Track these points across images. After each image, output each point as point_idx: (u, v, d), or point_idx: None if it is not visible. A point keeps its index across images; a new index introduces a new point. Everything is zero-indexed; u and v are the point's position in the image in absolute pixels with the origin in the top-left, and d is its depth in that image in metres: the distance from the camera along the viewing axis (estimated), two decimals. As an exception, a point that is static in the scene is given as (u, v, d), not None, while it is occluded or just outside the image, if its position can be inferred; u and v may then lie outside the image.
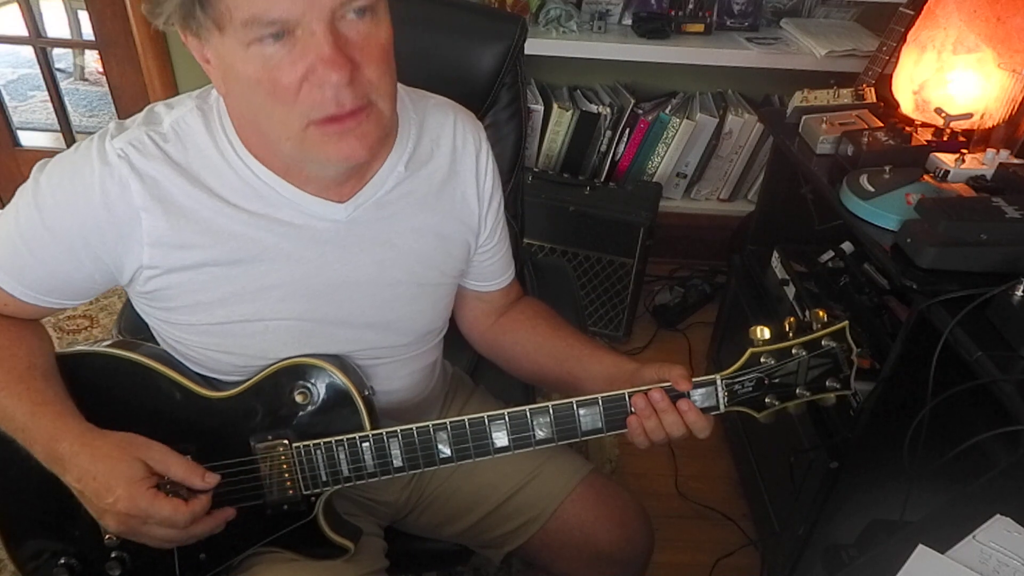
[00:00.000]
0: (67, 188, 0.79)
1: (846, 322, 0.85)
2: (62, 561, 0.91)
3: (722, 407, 0.85)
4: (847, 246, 1.56)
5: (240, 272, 0.83)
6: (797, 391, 0.85)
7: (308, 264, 0.86)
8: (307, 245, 0.85)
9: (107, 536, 0.89)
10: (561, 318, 1.05)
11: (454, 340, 1.10)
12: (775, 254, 1.68)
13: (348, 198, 0.85)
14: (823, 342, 0.84)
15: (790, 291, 1.59)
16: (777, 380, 0.85)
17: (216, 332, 0.86)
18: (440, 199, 0.92)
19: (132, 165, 0.78)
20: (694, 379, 0.85)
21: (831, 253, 1.60)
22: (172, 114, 0.83)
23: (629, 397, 0.85)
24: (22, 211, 0.81)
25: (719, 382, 0.85)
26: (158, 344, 0.96)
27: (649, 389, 0.85)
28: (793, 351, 0.84)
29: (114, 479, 0.78)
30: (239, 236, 0.82)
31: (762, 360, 0.84)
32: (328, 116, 0.71)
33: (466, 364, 1.24)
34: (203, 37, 0.71)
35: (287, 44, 0.68)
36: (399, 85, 0.89)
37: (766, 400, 0.85)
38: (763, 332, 0.85)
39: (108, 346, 0.91)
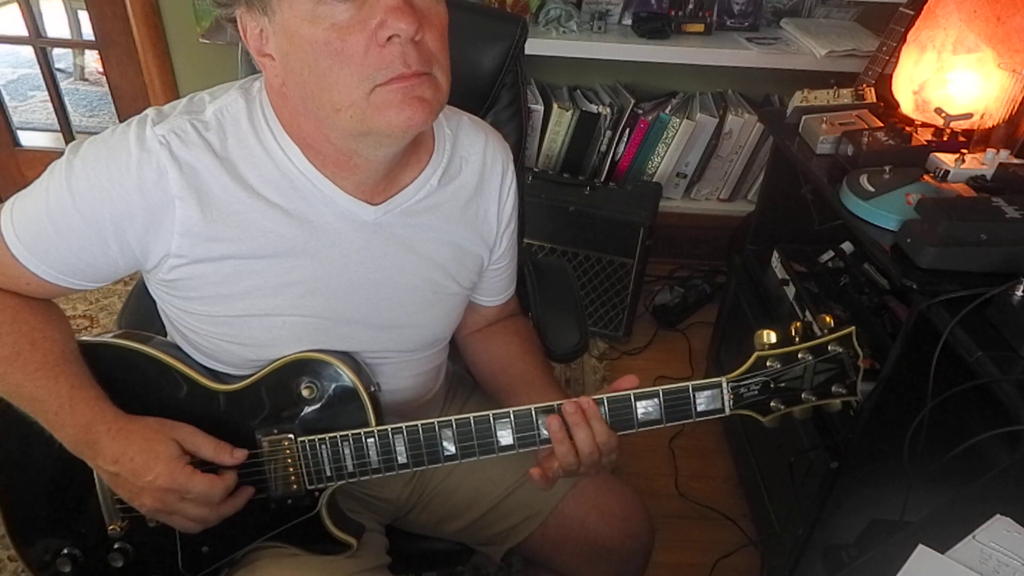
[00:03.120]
0: (102, 172, 0.78)
1: (853, 328, 0.85)
2: (65, 552, 0.91)
3: (727, 410, 0.85)
4: (847, 246, 1.56)
5: (265, 266, 0.84)
6: (803, 396, 0.85)
7: (332, 263, 0.86)
8: (333, 243, 0.86)
9: (111, 527, 0.89)
10: (536, 345, 1.09)
11: (453, 340, 1.10)
12: (775, 254, 1.68)
13: (380, 201, 0.87)
14: (830, 347, 0.84)
15: (790, 291, 1.59)
16: (783, 384, 0.84)
17: (233, 324, 0.86)
18: (465, 214, 0.94)
19: (172, 153, 0.78)
20: (699, 381, 0.85)
21: (831, 253, 1.60)
22: (216, 103, 0.83)
23: (635, 398, 0.85)
24: (52, 191, 0.80)
25: (725, 385, 0.85)
26: (166, 332, 0.96)
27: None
28: (799, 355, 0.84)
29: (152, 458, 0.81)
30: (268, 232, 0.83)
31: (768, 364, 0.84)
32: (395, 75, 0.72)
33: (475, 379, 1.24)
34: (269, 9, 0.72)
35: (355, 3, 0.70)
36: None
37: (771, 404, 0.85)
38: (769, 336, 0.85)
39: (115, 337, 0.91)
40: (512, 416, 0.86)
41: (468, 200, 0.94)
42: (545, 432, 0.85)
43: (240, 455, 0.86)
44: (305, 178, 0.83)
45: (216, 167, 0.80)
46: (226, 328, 0.87)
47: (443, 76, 0.76)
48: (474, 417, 0.86)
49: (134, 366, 0.89)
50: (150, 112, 0.82)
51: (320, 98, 0.74)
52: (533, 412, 0.85)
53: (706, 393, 0.85)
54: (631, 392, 0.85)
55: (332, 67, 0.71)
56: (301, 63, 0.73)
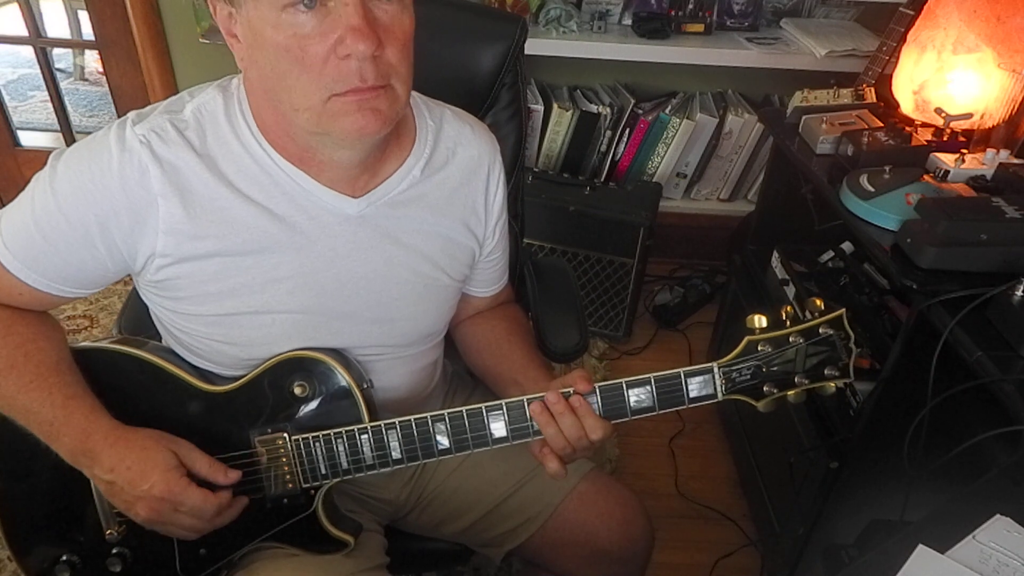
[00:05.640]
0: (84, 174, 0.79)
1: (843, 309, 0.84)
2: (64, 559, 0.91)
3: (720, 395, 0.85)
4: (847, 246, 1.56)
5: (251, 263, 0.84)
6: (796, 379, 0.84)
7: (318, 258, 0.86)
8: (318, 238, 0.86)
9: (108, 532, 0.89)
10: (523, 328, 1.10)
11: (448, 335, 1.10)
12: (775, 254, 1.67)
13: (361, 194, 0.87)
14: (820, 330, 0.83)
15: (790, 291, 1.59)
16: (775, 368, 0.84)
17: (223, 323, 0.87)
18: (451, 205, 0.94)
19: (153, 151, 0.79)
20: (690, 367, 0.85)
21: (831, 253, 1.60)
22: (194, 101, 0.84)
23: (627, 386, 0.84)
24: (38, 198, 0.81)
25: (716, 370, 0.84)
26: (160, 335, 0.96)
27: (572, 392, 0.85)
28: (791, 339, 0.83)
29: (149, 467, 0.81)
30: (252, 227, 0.83)
31: (759, 348, 0.83)
32: (351, 88, 0.73)
33: (465, 364, 1.24)
34: (236, 3, 0.73)
35: (319, 14, 0.70)
36: (417, 93, 0.92)
37: (764, 389, 0.84)
38: (760, 320, 0.84)
39: (111, 342, 0.91)
40: (505, 408, 0.85)
41: (454, 191, 0.94)
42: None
43: (233, 476, 0.86)
44: (284, 173, 0.83)
45: (197, 164, 0.80)
46: (216, 328, 0.87)
47: (402, 86, 0.78)
48: (467, 410, 0.86)
49: (128, 370, 0.89)
50: (131, 114, 0.83)
51: (280, 95, 0.76)
52: (526, 403, 0.85)
53: (698, 379, 0.84)
54: (623, 380, 0.85)
55: (292, 71, 0.73)
56: (263, 59, 0.74)
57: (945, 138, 1.45)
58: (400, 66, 0.76)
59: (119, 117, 0.83)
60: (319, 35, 0.71)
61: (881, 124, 1.50)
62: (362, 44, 0.70)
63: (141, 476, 0.81)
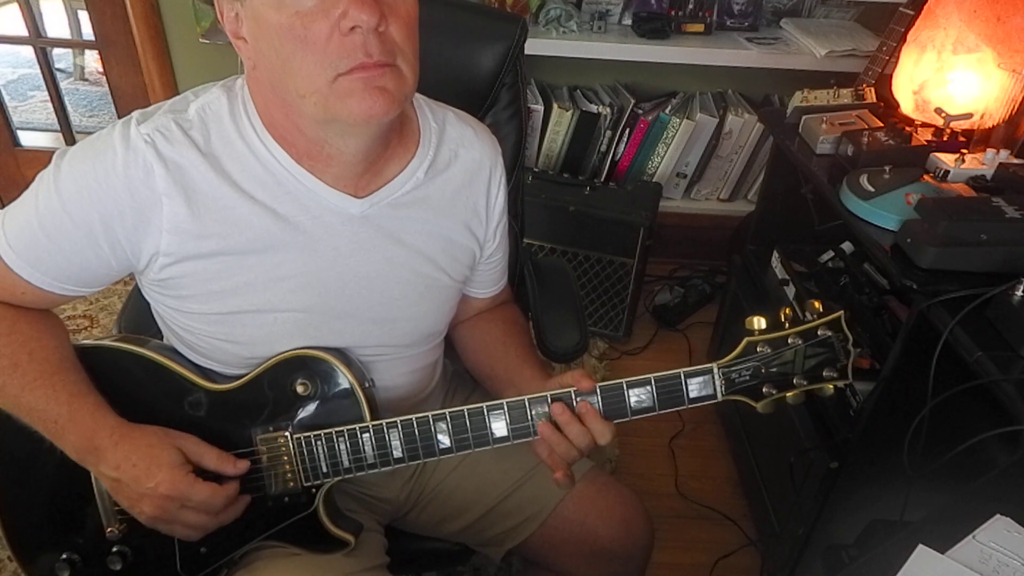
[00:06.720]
0: (89, 173, 0.79)
1: (841, 311, 0.85)
2: (64, 556, 0.91)
3: (720, 396, 0.85)
4: (847, 246, 1.56)
5: (254, 262, 0.84)
6: (795, 380, 0.84)
7: (321, 257, 0.87)
8: (321, 238, 0.86)
9: (108, 530, 0.89)
10: (520, 328, 1.10)
11: (447, 335, 1.10)
12: (775, 254, 1.68)
13: (365, 194, 0.87)
14: (819, 331, 0.84)
15: (790, 291, 1.59)
16: (774, 369, 0.84)
17: (226, 322, 0.87)
18: (453, 207, 0.94)
19: (158, 151, 0.79)
20: (690, 368, 0.85)
21: (831, 253, 1.60)
22: (198, 101, 0.84)
23: (627, 387, 0.85)
24: (41, 197, 0.81)
25: (716, 371, 0.85)
26: (161, 333, 0.97)
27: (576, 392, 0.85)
28: (789, 340, 0.84)
29: (155, 464, 0.81)
30: (255, 226, 0.83)
31: (758, 349, 0.84)
32: (356, 64, 0.72)
33: (463, 365, 1.24)
34: None
35: None
36: (419, 95, 0.92)
37: (764, 390, 0.85)
38: (759, 322, 0.85)
39: (113, 340, 0.91)
40: (506, 407, 0.86)
41: (456, 193, 0.94)
42: (540, 422, 0.85)
43: (243, 466, 0.86)
44: (288, 173, 0.83)
45: (202, 163, 0.81)
46: (219, 326, 0.87)
47: (408, 68, 0.77)
48: (468, 409, 0.86)
49: (130, 368, 0.89)
50: (135, 113, 0.83)
51: (286, 83, 0.75)
52: (527, 403, 0.85)
53: (697, 379, 0.85)
54: (623, 381, 0.85)
55: (296, 53, 0.72)
56: (268, 47, 0.74)
57: (945, 138, 1.45)
58: (405, 47, 0.76)
59: (119, 117, 0.83)
60: (322, 12, 0.70)
61: (881, 124, 1.51)
62: (364, 14, 0.70)
63: (147, 474, 0.81)
